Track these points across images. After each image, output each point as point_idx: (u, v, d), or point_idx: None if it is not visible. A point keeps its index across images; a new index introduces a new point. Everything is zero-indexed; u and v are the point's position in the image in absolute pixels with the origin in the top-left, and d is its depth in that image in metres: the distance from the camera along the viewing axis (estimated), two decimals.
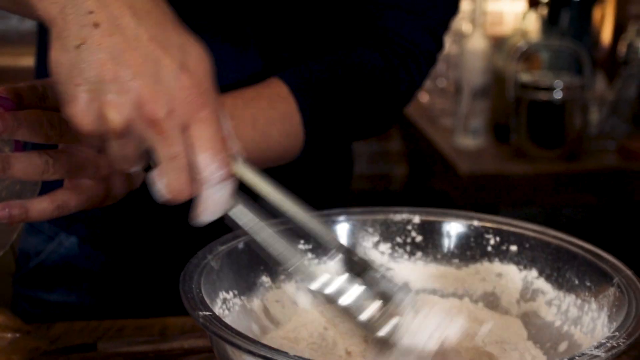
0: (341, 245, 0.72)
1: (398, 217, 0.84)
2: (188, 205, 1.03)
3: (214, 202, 0.64)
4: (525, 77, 2.19)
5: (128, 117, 0.60)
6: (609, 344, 0.59)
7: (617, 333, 0.61)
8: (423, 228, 0.84)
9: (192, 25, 0.75)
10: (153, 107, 0.60)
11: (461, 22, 2.54)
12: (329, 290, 0.69)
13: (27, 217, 0.75)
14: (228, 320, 0.73)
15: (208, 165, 0.62)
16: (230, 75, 1.00)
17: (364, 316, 0.69)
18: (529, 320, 0.79)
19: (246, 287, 0.77)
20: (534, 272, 0.79)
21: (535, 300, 0.79)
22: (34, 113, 0.73)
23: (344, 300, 0.69)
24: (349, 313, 0.69)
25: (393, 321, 0.69)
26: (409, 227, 0.84)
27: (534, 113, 2.16)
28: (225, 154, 0.63)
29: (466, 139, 2.27)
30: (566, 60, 2.27)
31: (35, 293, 1.13)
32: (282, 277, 0.81)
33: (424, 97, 2.66)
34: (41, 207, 0.75)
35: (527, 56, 2.27)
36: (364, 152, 3.02)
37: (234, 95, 0.93)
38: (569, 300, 0.76)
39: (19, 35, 2.60)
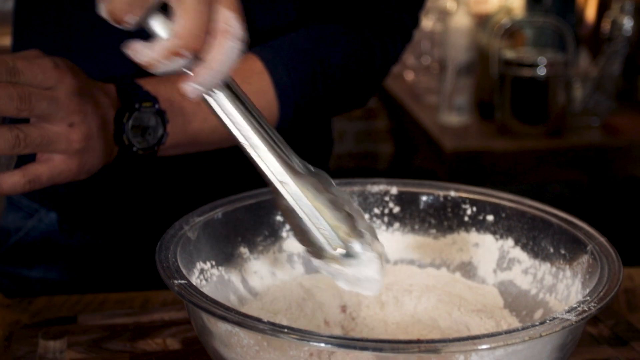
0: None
1: (376, 188, 0.85)
2: (167, 180, 1.04)
3: (223, 59, 0.62)
4: (509, 54, 2.20)
5: None
6: (580, 309, 0.60)
7: (588, 298, 0.61)
8: (400, 199, 0.84)
9: None
10: None
11: (446, 0, 2.54)
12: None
13: None
14: (205, 290, 0.74)
15: (230, 19, 0.61)
16: (264, 22, 1.00)
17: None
18: (505, 289, 0.79)
19: (224, 258, 0.78)
20: (510, 242, 0.80)
21: (512, 269, 0.80)
22: (4, 87, 0.72)
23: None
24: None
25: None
26: (387, 198, 0.85)
27: (517, 90, 2.17)
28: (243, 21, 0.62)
29: (451, 116, 2.28)
30: (550, 37, 2.28)
31: (16, 270, 1.13)
32: (261, 248, 0.81)
33: (409, 75, 2.66)
34: (12, 180, 0.76)
35: (511, 33, 2.28)
36: (350, 131, 3.03)
37: None
38: (544, 269, 0.77)
39: (1, 15, 2.58)
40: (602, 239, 0.71)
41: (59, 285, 1.11)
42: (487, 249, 0.81)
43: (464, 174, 2.12)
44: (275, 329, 0.57)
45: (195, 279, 0.73)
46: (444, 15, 2.38)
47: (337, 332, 0.78)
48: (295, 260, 0.83)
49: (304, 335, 0.56)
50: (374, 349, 0.55)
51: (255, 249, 0.81)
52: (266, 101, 0.95)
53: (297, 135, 1.11)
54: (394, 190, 0.84)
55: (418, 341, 0.56)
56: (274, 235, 0.82)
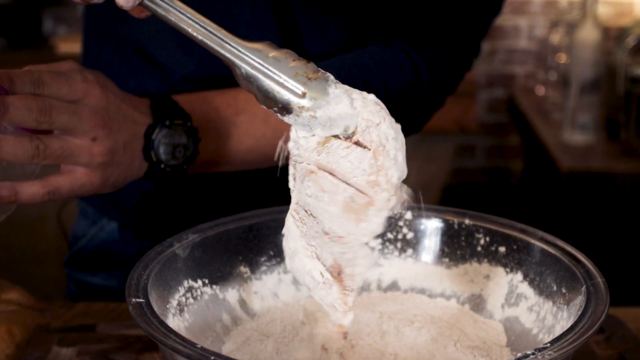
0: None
1: (390, 212, 0.81)
2: (225, 192, 1.04)
3: None
4: (638, 70, 2.08)
5: None
6: (532, 357, 0.55)
7: (549, 345, 0.57)
8: (414, 225, 0.81)
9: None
10: None
11: (573, 13, 2.43)
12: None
13: (17, 199, 0.77)
14: (192, 308, 0.74)
15: None
16: (315, 48, 0.99)
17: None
18: (511, 326, 0.75)
19: (220, 276, 0.77)
20: (519, 276, 0.75)
21: (518, 306, 0.75)
22: (24, 98, 0.74)
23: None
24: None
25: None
26: (401, 223, 0.81)
27: None
28: None
29: (574, 134, 2.18)
30: None
31: (81, 275, 1.17)
32: (264, 268, 0.80)
33: (539, 90, 2.57)
34: (31, 190, 0.77)
35: None
36: (481, 146, 2.96)
37: None
38: (547, 307, 0.71)
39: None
40: (600, 280, 0.66)
41: (118, 293, 1.14)
42: (497, 282, 0.77)
43: (582, 197, 2.02)
44: (205, 355, 0.56)
45: (179, 297, 0.72)
46: (571, 28, 2.28)
47: (335, 359, 0.76)
48: (301, 283, 0.81)
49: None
50: None
51: (258, 269, 0.80)
52: None
53: None
54: (408, 215, 0.81)
55: None
56: (280, 256, 0.80)
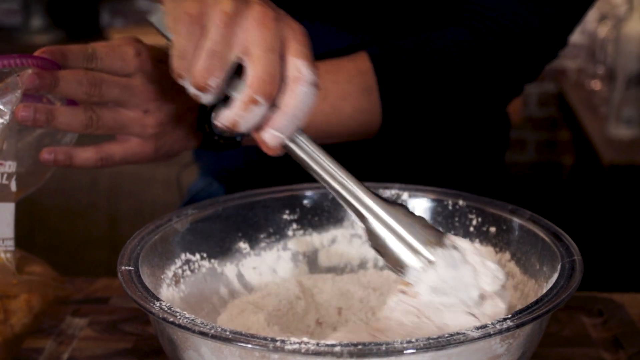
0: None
1: (387, 192, 0.84)
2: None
3: (297, 104, 0.65)
4: None
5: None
6: (490, 327, 0.57)
7: (509, 316, 0.58)
8: (411, 205, 0.83)
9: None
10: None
11: (623, 6, 2.40)
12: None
13: (71, 163, 0.80)
14: (189, 280, 0.77)
15: (300, 67, 0.65)
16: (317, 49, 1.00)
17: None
18: None
19: (219, 251, 0.80)
20: (507, 255, 0.77)
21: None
22: (74, 73, 0.77)
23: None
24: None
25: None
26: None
27: None
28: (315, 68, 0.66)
29: (619, 128, 2.16)
30: None
31: None
32: (263, 244, 0.83)
33: (588, 84, 2.55)
34: (85, 156, 0.80)
35: None
36: (532, 140, 2.94)
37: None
38: (530, 285, 0.73)
39: None
40: (577, 258, 0.67)
41: None
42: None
43: (624, 190, 2.00)
44: (169, 313, 0.59)
45: (175, 269, 0.75)
46: (619, 21, 2.26)
47: (328, 333, 0.78)
48: (300, 260, 0.84)
49: (189, 321, 0.58)
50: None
51: (257, 246, 0.82)
52: (368, 101, 0.91)
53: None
54: (405, 195, 0.83)
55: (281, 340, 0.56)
56: (279, 233, 0.83)
